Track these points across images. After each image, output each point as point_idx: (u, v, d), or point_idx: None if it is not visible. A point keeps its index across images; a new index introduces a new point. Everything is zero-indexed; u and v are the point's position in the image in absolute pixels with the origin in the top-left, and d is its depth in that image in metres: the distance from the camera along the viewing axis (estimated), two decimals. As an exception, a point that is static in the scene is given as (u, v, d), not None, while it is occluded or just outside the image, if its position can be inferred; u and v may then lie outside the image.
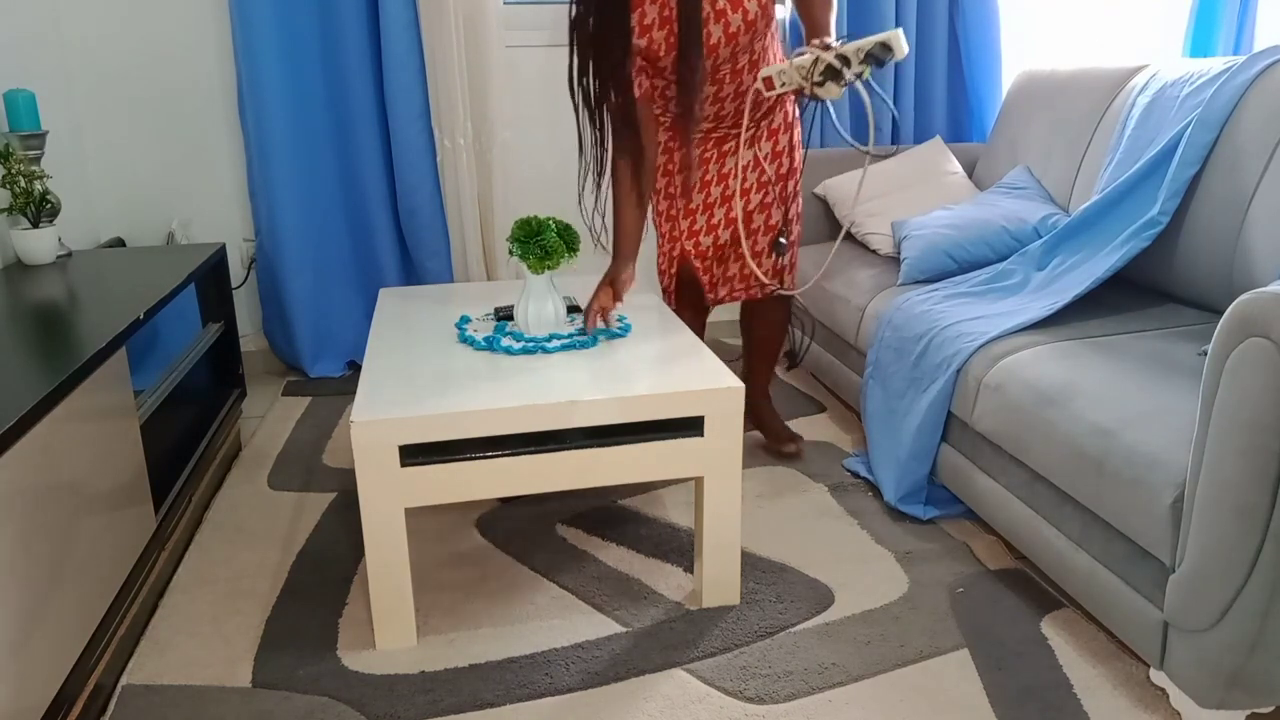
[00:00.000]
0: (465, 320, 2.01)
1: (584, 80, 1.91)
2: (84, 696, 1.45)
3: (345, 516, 2.13)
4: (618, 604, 1.77)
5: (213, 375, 2.44)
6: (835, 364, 2.60)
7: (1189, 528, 1.32)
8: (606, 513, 2.12)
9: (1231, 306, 1.25)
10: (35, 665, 1.29)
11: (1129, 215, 2.09)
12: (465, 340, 1.89)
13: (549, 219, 1.81)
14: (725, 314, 3.47)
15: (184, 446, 2.08)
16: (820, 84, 1.74)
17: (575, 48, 1.90)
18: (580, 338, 1.86)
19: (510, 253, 1.82)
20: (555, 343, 1.84)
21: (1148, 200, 2.06)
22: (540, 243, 1.78)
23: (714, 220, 2.17)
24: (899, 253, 2.46)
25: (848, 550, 1.95)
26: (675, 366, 1.74)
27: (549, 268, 1.80)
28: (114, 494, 1.58)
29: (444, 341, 1.91)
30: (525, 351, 1.82)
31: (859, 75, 1.71)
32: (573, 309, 2.03)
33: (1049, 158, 2.55)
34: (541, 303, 1.87)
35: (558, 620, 1.73)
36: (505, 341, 1.85)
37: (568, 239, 1.81)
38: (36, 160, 2.19)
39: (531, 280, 1.86)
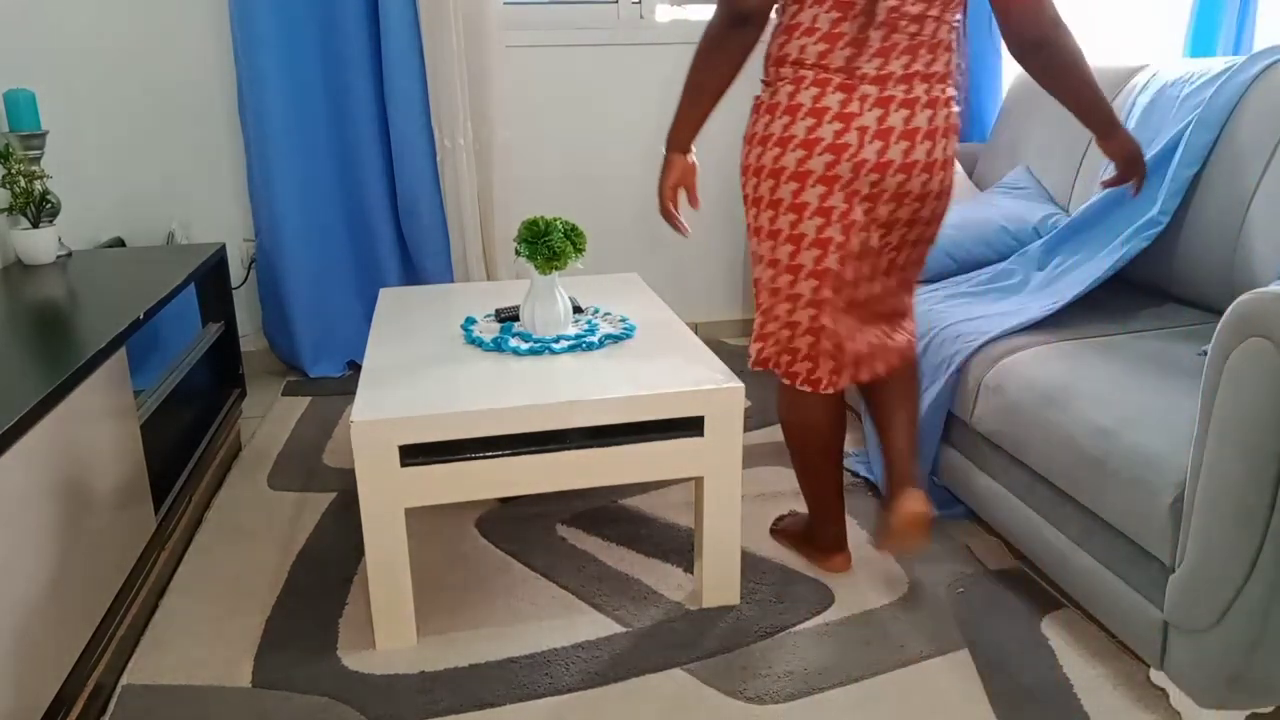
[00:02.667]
0: (471, 322, 2.01)
1: None
2: (84, 696, 1.45)
3: (345, 516, 2.13)
4: (618, 604, 1.77)
5: (213, 375, 2.44)
6: (835, 364, 2.60)
7: (1189, 528, 1.32)
8: (606, 513, 2.12)
9: (1231, 306, 1.25)
10: (35, 665, 1.29)
11: (1129, 215, 2.09)
12: (473, 341, 1.89)
13: (555, 219, 1.81)
14: (726, 313, 3.48)
15: (184, 446, 2.08)
16: None
17: None
18: (588, 339, 1.86)
19: (517, 253, 1.82)
20: (562, 343, 1.84)
21: (1147, 200, 2.06)
22: (547, 243, 1.78)
23: None
24: None
25: (848, 550, 1.95)
26: (676, 367, 1.74)
27: (556, 268, 1.80)
28: (114, 494, 1.58)
29: (449, 342, 1.91)
30: (532, 352, 1.82)
31: None
32: (577, 309, 2.03)
33: (1049, 158, 2.55)
34: (548, 303, 1.87)
35: (558, 620, 1.73)
36: (513, 342, 1.85)
37: (574, 239, 1.81)
38: (36, 160, 2.19)
39: (538, 281, 1.86)
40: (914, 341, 1.79)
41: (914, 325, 1.81)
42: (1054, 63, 1.54)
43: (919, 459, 2.02)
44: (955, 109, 1.58)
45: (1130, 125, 2.26)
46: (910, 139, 1.53)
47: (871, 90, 1.52)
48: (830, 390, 1.67)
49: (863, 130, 1.52)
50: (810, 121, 1.53)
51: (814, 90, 1.53)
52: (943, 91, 1.56)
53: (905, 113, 1.53)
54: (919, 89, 1.53)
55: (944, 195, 1.62)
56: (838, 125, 1.52)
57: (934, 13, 1.50)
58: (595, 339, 1.86)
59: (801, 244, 1.58)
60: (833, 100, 1.52)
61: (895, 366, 1.75)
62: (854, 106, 1.52)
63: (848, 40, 1.50)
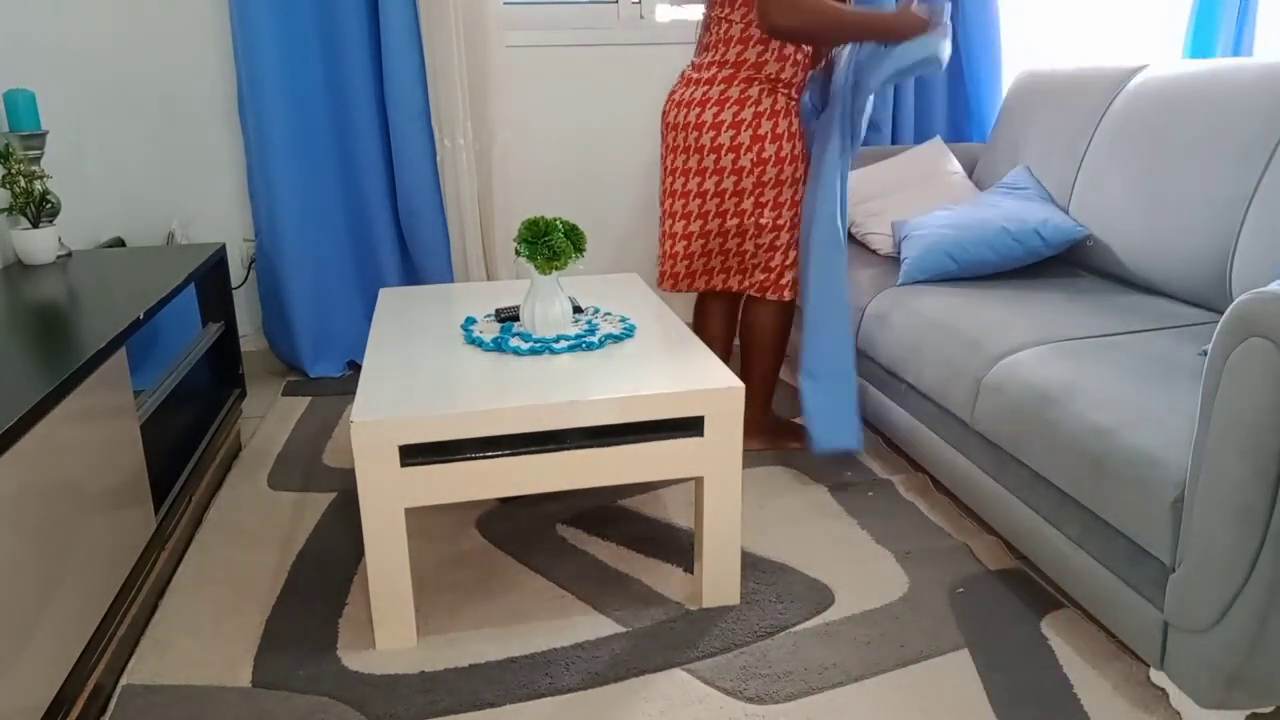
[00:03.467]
0: (471, 321, 2.01)
1: None
2: (84, 696, 1.45)
3: (345, 516, 2.13)
4: (618, 604, 1.77)
5: (213, 375, 2.44)
6: (835, 364, 2.60)
7: (1189, 528, 1.32)
8: (606, 513, 2.12)
9: (1231, 306, 1.25)
10: (35, 665, 1.29)
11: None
12: (473, 341, 1.89)
13: (556, 219, 1.81)
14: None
15: (184, 446, 2.08)
16: None
17: None
18: (588, 339, 1.86)
19: (517, 253, 1.82)
20: (562, 343, 1.84)
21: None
22: (548, 243, 1.78)
23: None
24: (899, 253, 2.46)
25: (848, 550, 1.95)
26: (676, 367, 1.74)
27: (556, 268, 1.80)
28: (114, 494, 1.58)
29: (449, 342, 1.91)
30: (533, 352, 1.82)
31: None
32: (577, 309, 2.03)
33: (1049, 158, 2.55)
34: (548, 303, 1.87)
35: (558, 620, 1.73)
36: (513, 342, 1.85)
37: (575, 239, 1.81)
38: (36, 160, 2.19)
39: (538, 281, 1.86)
40: (772, 306, 2.32)
41: (777, 285, 2.28)
42: (803, 40, 2.10)
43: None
44: (731, 87, 2.13)
45: (1128, 125, 2.26)
46: (687, 106, 2.17)
47: (687, 72, 2.22)
48: (678, 290, 2.34)
49: (670, 96, 2.24)
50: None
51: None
52: (720, 71, 2.15)
53: (692, 89, 2.18)
54: (708, 72, 2.16)
55: (720, 151, 2.15)
56: (666, 103, 2.25)
57: (726, 24, 2.15)
58: (595, 339, 1.86)
59: (662, 179, 2.32)
60: (675, 85, 2.26)
61: (748, 322, 2.36)
62: (675, 84, 2.26)
63: (698, 38, 2.27)
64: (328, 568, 1.92)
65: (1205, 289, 2.02)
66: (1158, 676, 1.48)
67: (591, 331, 1.90)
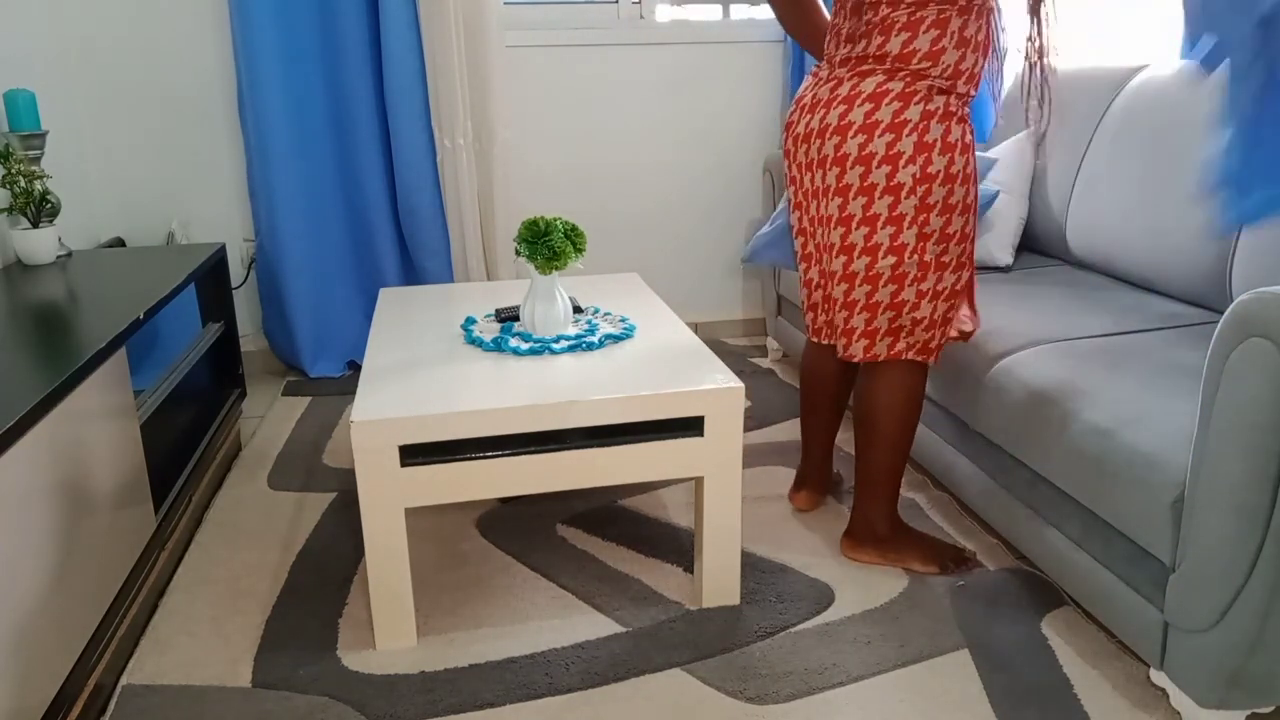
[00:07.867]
0: (471, 322, 2.01)
1: None
2: (84, 696, 1.45)
3: (345, 516, 2.13)
4: (618, 604, 1.77)
5: (213, 375, 2.44)
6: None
7: (1189, 528, 1.32)
8: (606, 513, 2.12)
9: (1231, 306, 1.25)
10: (35, 665, 1.29)
11: None
12: (473, 341, 1.89)
13: (555, 219, 1.81)
14: (726, 313, 3.48)
15: (184, 446, 2.08)
16: None
17: None
18: (588, 339, 1.86)
19: (517, 253, 1.82)
20: (562, 343, 1.84)
21: None
22: (548, 243, 1.78)
23: None
24: None
25: (848, 550, 1.94)
26: (676, 367, 1.74)
27: (556, 268, 1.80)
28: (114, 494, 1.58)
29: (449, 342, 1.91)
30: (533, 352, 1.82)
31: None
32: (577, 309, 2.03)
33: (1049, 158, 2.55)
34: (548, 303, 1.87)
35: (558, 620, 1.73)
36: (513, 342, 1.85)
37: (575, 239, 1.81)
38: (36, 160, 2.19)
39: (538, 281, 1.86)
40: (899, 367, 1.76)
41: (925, 345, 1.74)
42: None
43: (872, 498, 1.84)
44: (872, 81, 1.63)
45: (1128, 125, 2.26)
46: (812, 110, 1.69)
47: (823, 70, 1.73)
48: (812, 338, 1.90)
49: (797, 101, 1.76)
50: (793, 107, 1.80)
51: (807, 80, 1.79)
52: (874, 65, 1.64)
53: (823, 87, 1.69)
54: (857, 67, 1.66)
55: (845, 162, 1.64)
56: (793, 106, 1.78)
57: (889, 5, 1.62)
58: (595, 339, 1.86)
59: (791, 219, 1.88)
60: (804, 86, 1.77)
61: (863, 388, 1.81)
62: (805, 85, 1.76)
63: (834, 30, 1.74)
64: (328, 568, 1.92)
65: (1205, 289, 2.02)
66: (1158, 676, 1.48)
67: (591, 331, 1.90)
